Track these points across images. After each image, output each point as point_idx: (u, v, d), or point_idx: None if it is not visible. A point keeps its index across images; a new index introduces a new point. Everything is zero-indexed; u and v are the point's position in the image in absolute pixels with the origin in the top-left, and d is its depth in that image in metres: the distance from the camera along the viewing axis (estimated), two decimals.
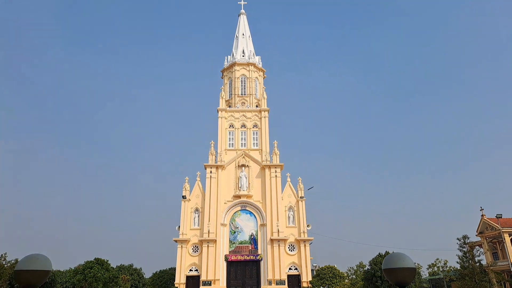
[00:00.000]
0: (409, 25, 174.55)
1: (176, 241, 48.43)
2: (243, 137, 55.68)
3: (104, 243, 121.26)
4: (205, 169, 52.23)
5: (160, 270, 49.94)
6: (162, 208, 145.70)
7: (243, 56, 62.40)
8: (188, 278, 47.05)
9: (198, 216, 50.57)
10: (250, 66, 61.03)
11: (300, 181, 52.75)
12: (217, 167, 52.16)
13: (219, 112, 56.43)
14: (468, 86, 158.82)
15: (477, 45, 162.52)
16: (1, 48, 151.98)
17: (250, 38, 66.51)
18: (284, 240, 48.15)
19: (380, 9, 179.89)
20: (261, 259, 47.54)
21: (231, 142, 55.40)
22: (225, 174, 52.65)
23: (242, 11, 67.69)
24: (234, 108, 57.22)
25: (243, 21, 66.79)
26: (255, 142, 55.09)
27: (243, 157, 53.35)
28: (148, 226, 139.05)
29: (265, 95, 58.14)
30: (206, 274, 46.31)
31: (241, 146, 54.92)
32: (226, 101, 58.51)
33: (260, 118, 55.93)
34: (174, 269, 48.18)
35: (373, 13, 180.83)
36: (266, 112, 56.09)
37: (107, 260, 41.71)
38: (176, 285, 46.11)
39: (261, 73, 63.39)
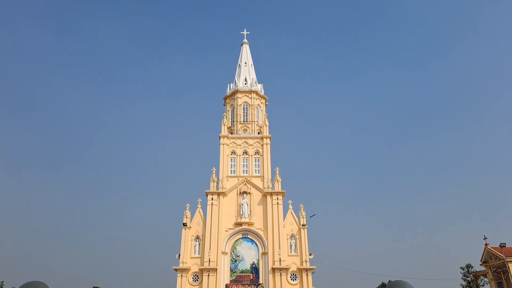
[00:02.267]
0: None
1: (176, 269, 47.72)
2: (244, 163, 55.94)
3: (102, 270, 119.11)
4: (207, 196, 52.18)
5: None
6: (162, 236, 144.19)
7: (245, 84, 63.59)
8: None
9: (199, 244, 50.03)
10: (252, 93, 62.08)
11: (302, 208, 52.54)
12: (218, 194, 52.10)
13: (221, 139, 56.94)
14: (471, 112, 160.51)
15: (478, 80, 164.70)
16: None
17: (253, 67, 67.97)
18: (286, 269, 47.45)
19: (382, 38, 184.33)
20: None
21: (233, 169, 55.59)
22: (226, 201, 52.52)
23: (245, 40, 69.50)
24: (236, 135, 57.75)
25: (245, 50, 68.47)
26: (257, 169, 55.29)
27: (245, 184, 53.39)
28: (147, 254, 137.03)
29: (267, 122, 58.80)
30: None
31: (243, 173, 55.08)
32: (228, 128, 59.10)
33: (262, 145, 56.37)
34: None
35: (375, 42, 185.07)
36: (268, 139, 56.57)
37: None
38: None
39: (263, 101, 64.40)
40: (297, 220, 51.37)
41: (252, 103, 61.69)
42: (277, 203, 51.42)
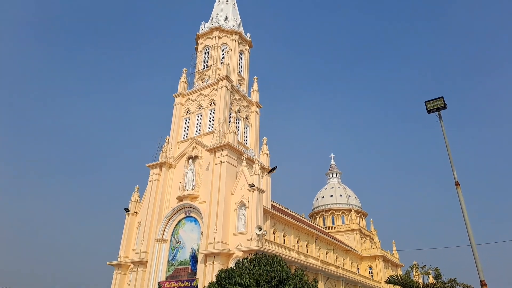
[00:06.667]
0: None
1: (112, 265, 38.40)
2: (198, 121, 42.26)
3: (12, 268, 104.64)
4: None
5: None
6: (104, 224, 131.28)
7: (226, 21, 49.23)
8: None
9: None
10: (234, 34, 47.81)
11: (256, 163, 34.84)
12: (160, 165, 40.31)
13: (175, 99, 45.16)
14: None
15: None
16: None
17: (236, 7, 53.40)
18: (223, 255, 31.13)
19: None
20: (196, 286, 31.77)
21: (186, 132, 42.79)
22: (176, 173, 40.14)
23: None
24: (194, 88, 44.65)
25: None
26: (211, 123, 40.70)
27: (194, 146, 39.71)
28: (83, 247, 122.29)
29: (245, 73, 43.45)
30: None
31: (196, 133, 41.54)
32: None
33: (217, 90, 41.43)
34: None
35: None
36: (224, 82, 41.02)
37: None
38: None
39: (247, 47, 49.58)
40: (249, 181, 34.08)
41: (233, 47, 47.26)
42: (220, 161, 35.56)
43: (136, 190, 42.34)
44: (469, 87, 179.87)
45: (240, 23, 51.10)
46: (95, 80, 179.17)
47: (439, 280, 35.07)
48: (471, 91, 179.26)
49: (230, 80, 41.66)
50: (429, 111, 15.77)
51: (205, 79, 44.79)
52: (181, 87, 45.72)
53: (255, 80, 47.38)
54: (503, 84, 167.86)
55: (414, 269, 37.94)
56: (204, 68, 45.86)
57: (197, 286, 31.49)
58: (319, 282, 38.12)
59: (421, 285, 15.40)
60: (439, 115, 15.88)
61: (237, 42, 47.87)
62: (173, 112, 44.25)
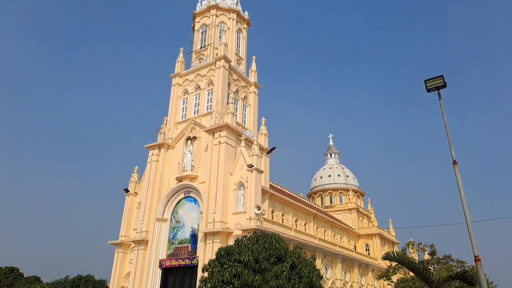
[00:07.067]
0: None
1: (114, 244, 39.01)
2: (196, 102, 42.06)
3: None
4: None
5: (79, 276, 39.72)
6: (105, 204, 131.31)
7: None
8: None
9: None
10: (231, 13, 46.92)
11: (255, 144, 34.94)
12: (159, 147, 40.37)
13: (173, 79, 44.78)
14: None
15: None
16: None
17: None
18: (222, 234, 31.64)
19: None
20: (197, 264, 32.44)
21: (184, 113, 42.65)
22: (174, 154, 40.26)
23: None
24: (192, 68, 44.22)
25: None
26: (209, 104, 40.53)
27: (193, 127, 39.67)
28: (84, 227, 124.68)
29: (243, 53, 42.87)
30: (132, 286, 34.73)
31: (194, 114, 41.42)
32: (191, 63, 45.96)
33: (214, 71, 41.05)
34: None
35: None
36: (222, 61, 40.57)
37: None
38: None
39: (245, 25, 48.82)
40: (248, 161, 34.26)
41: (231, 26, 46.49)
42: (219, 141, 35.62)
43: (136, 171, 42.55)
44: (469, 68, 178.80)
45: (237, 1, 50.13)
46: (91, 58, 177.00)
47: (434, 257, 35.84)
48: (470, 72, 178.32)
49: (228, 60, 41.20)
50: (428, 90, 15.73)
51: (202, 59, 44.32)
52: (178, 67, 45.23)
53: (253, 60, 46.89)
54: (503, 66, 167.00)
55: (410, 246, 38.73)
56: (201, 48, 45.29)
57: (197, 264, 32.13)
58: (317, 259, 38.89)
59: (417, 261, 15.84)
60: (439, 93, 15.85)
61: (234, 21, 47.08)
62: (170, 93, 43.97)
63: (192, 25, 48.95)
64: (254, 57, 47.10)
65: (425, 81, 15.83)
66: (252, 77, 45.40)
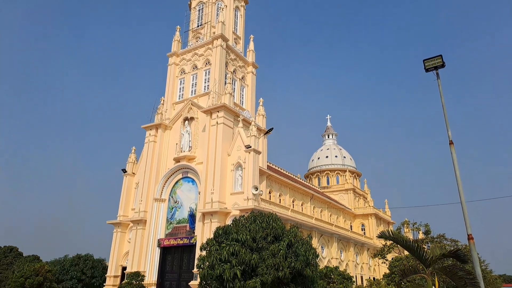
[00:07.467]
0: None
1: (112, 224, 39.40)
2: (194, 82, 41.67)
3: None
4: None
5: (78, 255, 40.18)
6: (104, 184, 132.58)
7: None
8: (124, 269, 37.13)
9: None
10: None
11: (253, 124, 34.88)
12: (156, 127, 40.24)
13: (169, 58, 44.21)
14: None
15: None
16: None
17: None
18: (220, 214, 31.97)
19: None
20: (195, 243, 32.91)
21: (181, 93, 42.31)
22: (172, 135, 40.18)
23: None
24: (189, 47, 43.58)
25: None
26: (206, 85, 40.17)
27: (190, 108, 39.45)
28: (87, 206, 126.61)
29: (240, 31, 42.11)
30: (131, 265, 35.31)
31: (191, 94, 41.10)
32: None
33: (211, 50, 40.47)
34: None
35: None
36: (219, 40, 39.94)
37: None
38: (107, 278, 37.04)
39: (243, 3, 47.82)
40: (246, 142, 34.29)
41: (228, 3, 45.47)
42: (216, 122, 35.51)
43: (133, 151, 42.56)
44: (468, 49, 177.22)
45: None
46: (87, 38, 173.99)
47: (429, 236, 36.46)
48: (469, 52, 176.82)
49: (225, 39, 40.58)
50: (427, 70, 15.61)
51: (199, 38, 43.65)
52: (175, 46, 44.57)
53: (251, 39, 46.21)
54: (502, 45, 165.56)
55: (405, 225, 39.34)
56: (198, 26, 44.55)
57: (195, 243, 32.58)
58: (313, 238, 39.48)
59: (411, 240, 16.11)
60: (437, 73, 15.74)
61: None
62: (167, 72, 43.49)
63: (189, 2, 47.96)
64: (252, 36, 46.45)
65: (423, 60, 15.69)
66: (250, 57, 44.87)
